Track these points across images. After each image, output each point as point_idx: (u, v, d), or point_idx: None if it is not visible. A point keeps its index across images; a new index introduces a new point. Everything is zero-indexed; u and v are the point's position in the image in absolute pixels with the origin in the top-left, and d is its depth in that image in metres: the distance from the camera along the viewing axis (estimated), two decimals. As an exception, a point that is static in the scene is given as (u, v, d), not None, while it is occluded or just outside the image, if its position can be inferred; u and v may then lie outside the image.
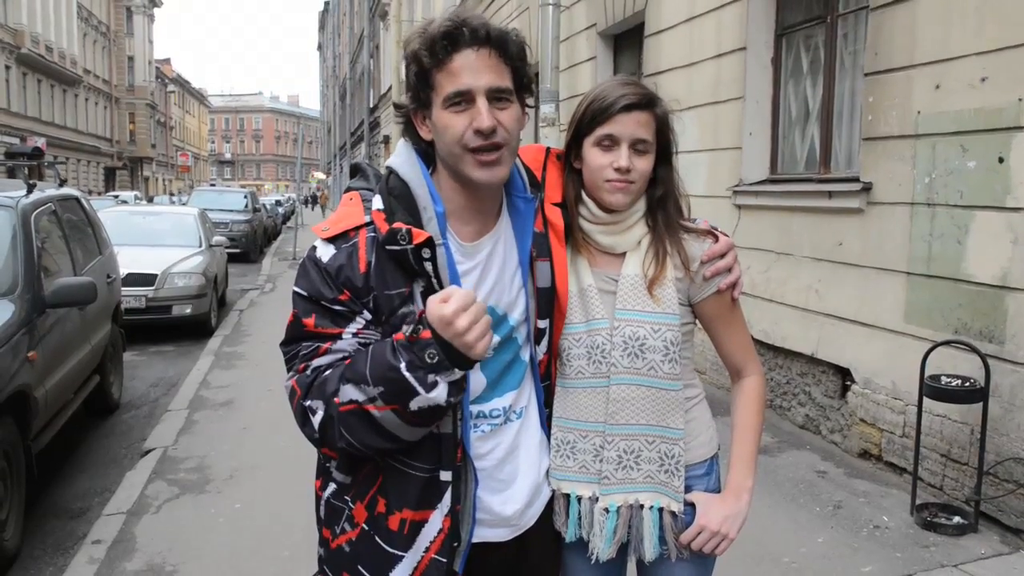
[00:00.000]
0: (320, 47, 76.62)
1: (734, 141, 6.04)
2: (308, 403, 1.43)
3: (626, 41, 8.32)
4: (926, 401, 4.00)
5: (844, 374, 4.98)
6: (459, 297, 1.31)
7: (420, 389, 1.34)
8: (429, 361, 1.33)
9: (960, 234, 4.04)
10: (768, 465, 4.75)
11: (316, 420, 1.42)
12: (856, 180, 4.75)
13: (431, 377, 1.33)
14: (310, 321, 1.47)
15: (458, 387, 1.37)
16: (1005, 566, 3.54)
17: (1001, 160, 3.80)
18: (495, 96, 1.44)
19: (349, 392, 1.38)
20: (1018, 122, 3.71)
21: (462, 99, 1.43)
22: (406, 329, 1.36)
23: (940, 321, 4.17)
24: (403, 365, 1.34)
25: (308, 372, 1.45)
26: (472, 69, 1.43)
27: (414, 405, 1.35)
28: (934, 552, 3.67)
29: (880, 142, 4.56)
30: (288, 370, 1.51)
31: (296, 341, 1.49)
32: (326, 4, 63.59)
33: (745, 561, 3.56)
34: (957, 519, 3.87)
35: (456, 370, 1.35)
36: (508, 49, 1.46)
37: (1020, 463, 3.73)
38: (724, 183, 6.13)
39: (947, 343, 3.98)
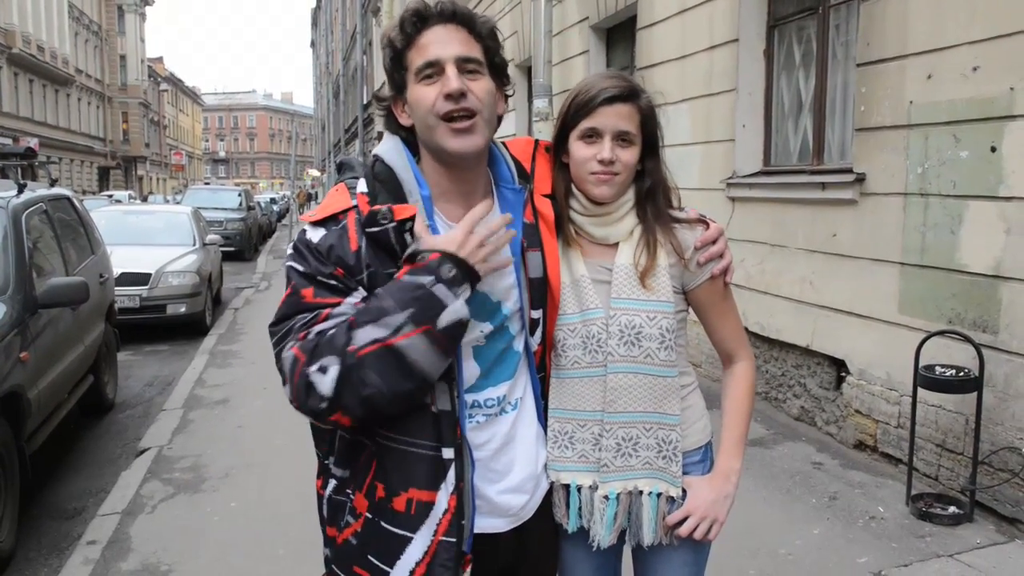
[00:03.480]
0: (313, 44, 76.42)
1: (727, 133, 6.03)
2: (315, 366, 1.39)
3: (619, 34, 8.30)
4: (921, 391, 4.00)
5: (839, 365, 4.98)
6: (466, 221, 1.45)
7: (447, 300, 1.40)
8: (449, 275, 1.41)
9: (953, 224, 4.04)
10: (763, 457, 4.76)
11: (329, 379, 1.38)
12: (849, 171, 4.75)
13: (455, 289, 1.41)
14: (309, 291, 1.46)
15: (468, 298, 1.45)
16: (1001, 555, 3.55)
17: (993, 149, 3.80)
18: (464, 66, 1.48)
19: (368, 333, 1.38)
20: (1010, 111, 3.70)
21: (432, 69, 1.47)
22: (418, 254, 1.43)
23: (934, 311, 4.17)
24: (429, 280, 1.40)
25: (311, 337, 1.42)
26: (440, 41, 1.48)
27: (443, 320, 1.40)
28: (930, 542, 3.67)
29: (873, 133, 4.56)
30: (283, 344, 1.45)
31: (292, 316, 1.46)
32: (318, 1, 63.42)
33: (741, 553, 3.57)
34: (952, 509, 3.88)
35: (467, 285, 1.43)
36: (476, 27, 1.52)
37: (1015, 452, 3.74)
38: (717, 175, 6.12)
39: (941, 333, 3.98)
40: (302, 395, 1.40)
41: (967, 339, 3.83)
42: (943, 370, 3.89)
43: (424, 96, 1.47)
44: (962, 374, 3.84)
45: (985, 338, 3.84)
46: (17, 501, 4.07)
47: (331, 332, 1.40)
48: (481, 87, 1.49)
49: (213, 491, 4.51)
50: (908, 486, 4.06)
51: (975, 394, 3.79)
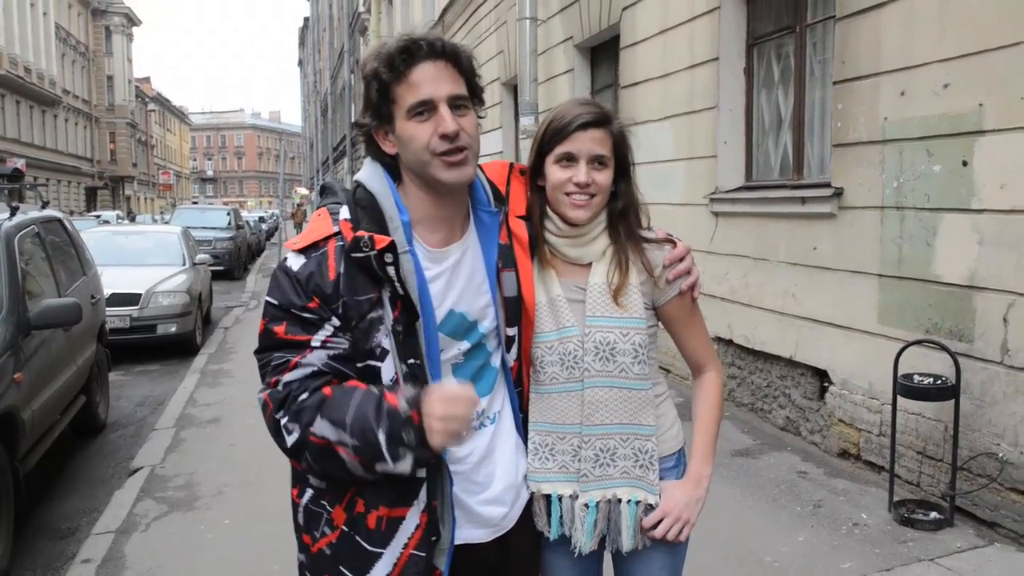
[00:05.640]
0: (300, 63, 76.62)
1: (709, 150, 6.15)
2: (284, 421, 1.51)
3: (602, 53, 8.44)
4: (901, 400, 4.09)
5: (822, 376, 5.07)
6: (454, 398, 1.44)
7: (389, 460, 1.46)
8: (405, 439, 1.44)
9: (928, 236, 4.15)
10: (750, 467, 4.84)
11: (290, 440, 1.51)
12: (828, 186, 4.86)
13: (402, 451, 1.45)
14: (280, 328, 1.53)
15: (424, 461, 1.48)
16: (980, 559, 3.63)
17: (965, 164, 3.91)
18: (455, 103, 1.54)
19: (325, 429, 1.47)
20: (980, 126, 3.82)
21: (425, 108, 1.52)
22: (403, 404, 1.44)
23: (912, 321, 4.27)
24: (382, 434, 1.44)
25: (280, 387, 1.52)
26: (432, 79, 1.52)
27: (379, 468, 1.47)
28: (911, 547, 3.75)
29: (850, 148, 4.67)
30: (262, 379, 1.57)
31: (269, 350, 1.55)
32: (306, 20, 63.67)
33: (728, 561, 3.64)
34: (934, 515, 3.96)
35: (422, 449, 1.45)
36: (461, 62, 1.57)
37: (993, 458, 3.83)
38: (701, 191, 6.24)
39: (919, 343, 4.08)
40: (272, 432, 1.55)
41: (944, 348, 3.93)
42: (921, 379, 3.98)
43: (418, 134, 1.52)
44: (940, 382, 3.93)
45: (961, 347, 3.95)
46: (11, 521, 4.10)
47: (301, 399, 1.50)
48: (469, 122, 1.56)
49: (206, 508, 4.54)
50: (890, 493, 4.15)
51: (953, 402, 3.89)
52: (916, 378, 3.99)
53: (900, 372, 4.04)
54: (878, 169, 4.45)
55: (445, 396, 1.44)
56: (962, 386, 3.89)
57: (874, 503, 4.23)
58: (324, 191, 1.71)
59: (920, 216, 4.19)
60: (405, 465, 1.45)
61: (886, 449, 4.35)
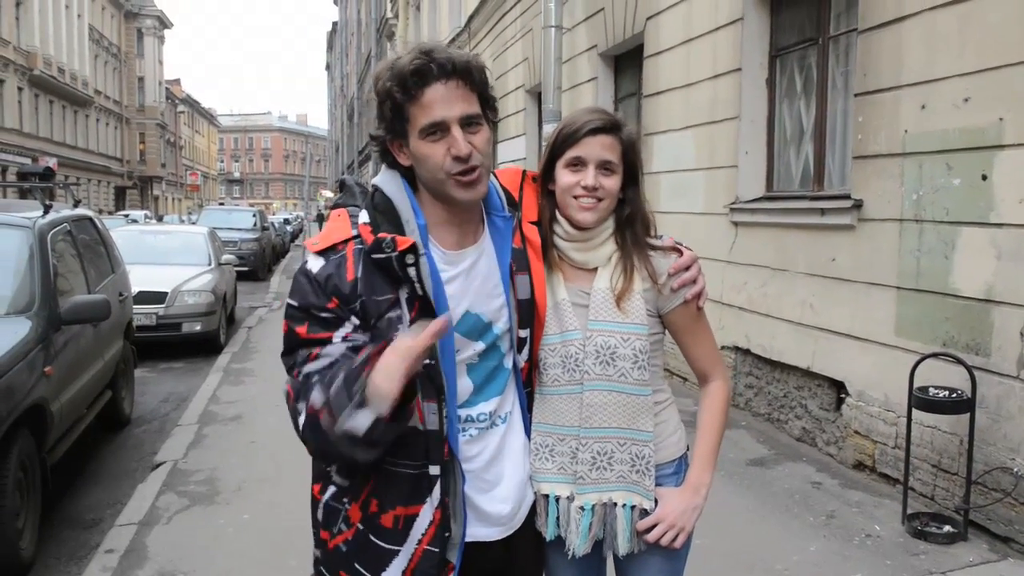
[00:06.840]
0: (328, 67, 77.31)
1: (730, 160, 6.17)
2: (297, 405, 1.54)
3: (626, 62, 8.49)
4: (917, 413, 4.10)
5: (839, 387, 5.07)
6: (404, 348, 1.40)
7: (354, 404, 1.41)
8: (357, 388, 1.42)
9: (947, 249, 4.15)
10: (764, 476, 4.85)
11: (299, 422, 1.53)
12: (848, 197, 4.87)
13: (357, 399, 1.41)
14: (303, 329, 1.58)
15: (381, 426, 1.42)
16: (993, 573, 3.63)
17: (984, 178, 3.92)
18: (467, 122, 1.57)
19: (316, 396, 1.48)
20: (1000, 141, 3.83)
21: (437, 129, 1.55)
22: (366, 353, 1.45)
23: (929, 334, 4.27)
24: (340, 376, 1.45)
25: (300, 378, 1.56)
26: (443, 101, 1.55)
27: (339, 425, 1.43)
28: (923, 560, 3.75)
29: (870, 160, 4.69)
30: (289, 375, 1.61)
31: (293, 350, 1.60)
32: (334, 24, 64.27)
33: (738, 569, 3.67)
34: (947, 528, 3.96)
35: (368, 409, 1.40)
36: (473, 77, 1.59)
37: (1007, 472, 3.83)
38: (721, 201, 6.26)
39: (934, 356, 4.08)
40: (294, 423, 1.56)
41: (960, 361, 3.93)
42: (937, 392, 3.98)
43: (432, 154, 1.56)
44: (955, 395, 3.94)
45: (977, 360, 3.95)
46: (39, 510, 4.22)
47: (314, 380, 1.52)
48: (481, 139, 1.58)
49: (227, 503, 4.64)
50: (904, 505, 4.15)
51: (968, 415, 3.89)
52: (932, 391, 3.99)
53: (916, 385, 4.05)
54: (898, 182, 4.46)
55: (398, 346, 1.41)
56: (978, 400, 3.88)
57: (888, 515, 4.23)
58: (343, 187, 1.75)
59: (939, 229, 4.20)
60: (361, 421, 1.40)
61: (901, 461, 4.35)
